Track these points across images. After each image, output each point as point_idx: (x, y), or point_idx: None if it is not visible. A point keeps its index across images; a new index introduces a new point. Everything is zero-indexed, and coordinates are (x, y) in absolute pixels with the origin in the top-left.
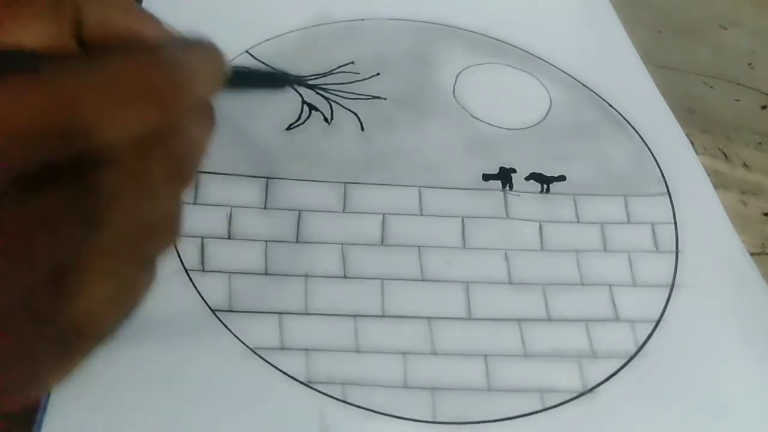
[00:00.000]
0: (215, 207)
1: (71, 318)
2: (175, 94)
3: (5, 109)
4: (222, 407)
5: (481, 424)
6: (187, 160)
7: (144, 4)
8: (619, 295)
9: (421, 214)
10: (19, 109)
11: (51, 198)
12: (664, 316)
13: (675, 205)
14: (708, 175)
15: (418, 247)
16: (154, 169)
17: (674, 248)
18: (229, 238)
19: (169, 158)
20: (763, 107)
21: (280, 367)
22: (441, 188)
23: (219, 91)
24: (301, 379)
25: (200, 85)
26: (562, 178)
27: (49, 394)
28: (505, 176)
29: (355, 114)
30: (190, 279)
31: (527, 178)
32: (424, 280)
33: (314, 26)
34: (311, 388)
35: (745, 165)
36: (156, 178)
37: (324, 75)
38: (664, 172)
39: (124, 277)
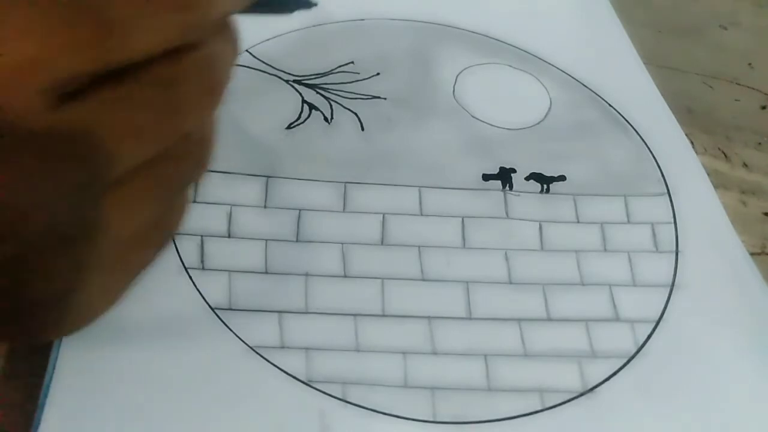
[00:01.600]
0: (215, 205)
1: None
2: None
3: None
4: (221, 406)
5: (481, 424)
6: (215, 74)
7: None
8: (619, 295)
9: (421, 214)
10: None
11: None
12: (664, 316)
13: (675, 205)
14: (708, 175)
15: (418, 246)
16: (185, 80)
17: (674, 248)
18: (229, 236)
19: (198, 69)
20: (763, 107)
21: (280, 366)
22: (441, 188)
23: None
24: (301, 378)
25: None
26: (562, 178)
27: (47, 393)
28: (505, 176)
29: (355, 114)
30: (190, 277)
31: (527, 178)
32: (424, 280)
33: (314, 26)
34: (311, 387)
35: (745, 165)
36: (186, 89)
37: (324, 75)
38: (664, 172)
39: (154, 210)
